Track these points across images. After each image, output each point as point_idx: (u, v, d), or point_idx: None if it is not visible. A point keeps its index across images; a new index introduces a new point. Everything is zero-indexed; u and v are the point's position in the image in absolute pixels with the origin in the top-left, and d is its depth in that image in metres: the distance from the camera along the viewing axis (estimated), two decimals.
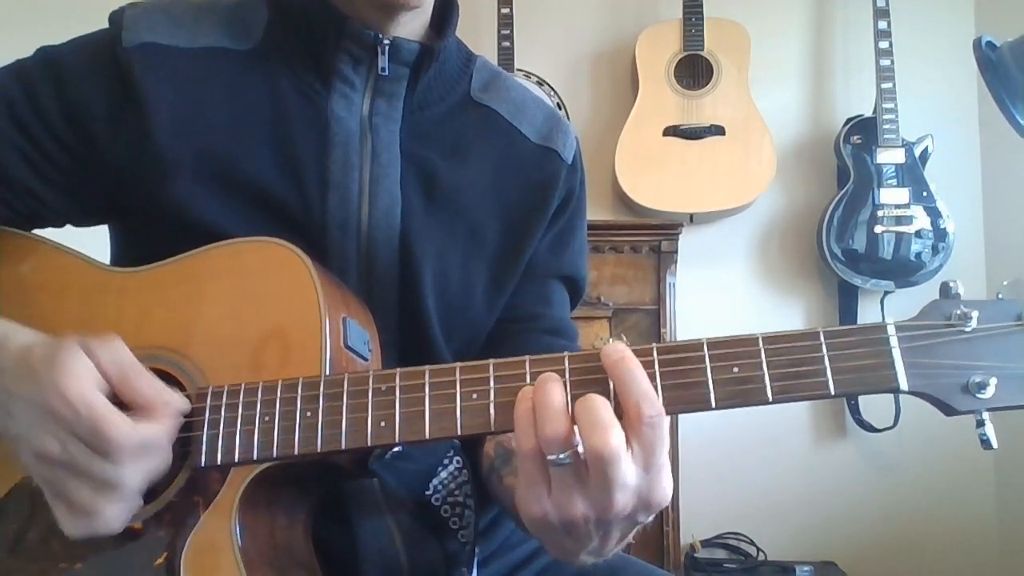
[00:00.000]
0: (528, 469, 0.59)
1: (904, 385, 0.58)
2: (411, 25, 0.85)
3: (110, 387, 0.65)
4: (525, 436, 0.59)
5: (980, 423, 0.57)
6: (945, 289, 0.60)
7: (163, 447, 0.66)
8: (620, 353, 0.59)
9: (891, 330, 0.59)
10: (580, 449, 0.57)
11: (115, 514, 0.64)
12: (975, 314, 0.58)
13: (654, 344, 0.61)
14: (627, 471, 0.56)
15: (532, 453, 0.58)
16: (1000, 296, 0.59)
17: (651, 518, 0.61)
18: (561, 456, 0.57)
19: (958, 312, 0.58)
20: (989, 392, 0.57)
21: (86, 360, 0.64)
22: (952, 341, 0.58)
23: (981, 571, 2.43)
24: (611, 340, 2.31)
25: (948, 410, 0.58)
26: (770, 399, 0.58)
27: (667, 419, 0.58)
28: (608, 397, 0.59)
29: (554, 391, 0.58)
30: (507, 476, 0.79)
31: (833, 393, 0.58)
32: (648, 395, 0.58)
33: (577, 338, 0.96)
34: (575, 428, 0.58)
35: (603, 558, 0.65)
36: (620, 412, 0.58)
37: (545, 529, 0.61)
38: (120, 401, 0.65)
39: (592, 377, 0.61)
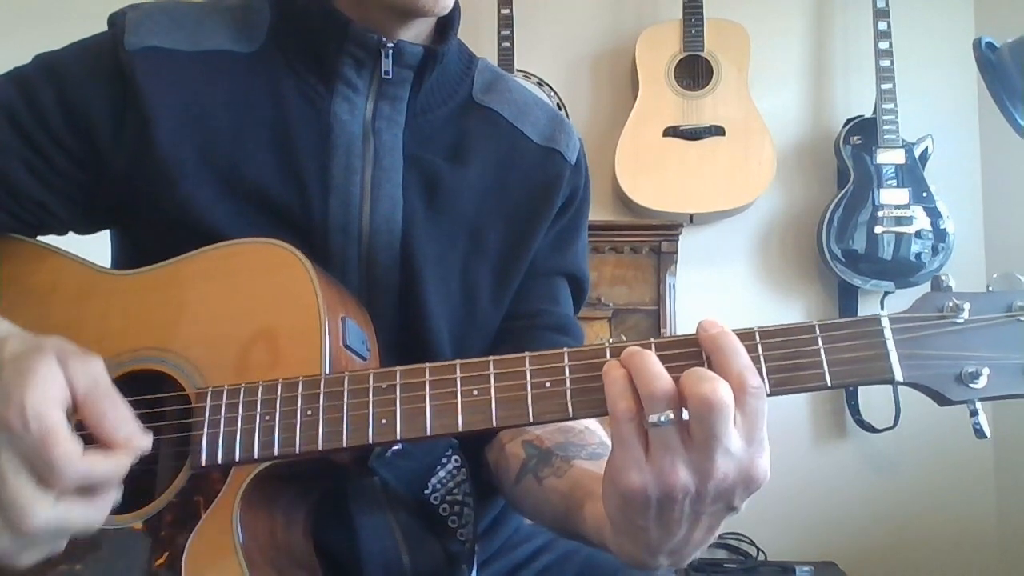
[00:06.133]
0: (624, 434, 0.57)
1: (899, 376, 0.58)
2: (417, 29, 0.85)
3: (75, 407, 0.60)
4: (622, 397, 0.57)
5: (973, 413, 0.58)
6: (936, 282, 0.60)
7: (109, 486, 0.61)
8: (719, 327, 0.58)
9: (885, 322, 0.59)
10: (684, 415, 0.55)
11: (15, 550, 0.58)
12: (967, 306, 0.59)
13: (652, 339, 0.61)
14: (732, 434, 0.55)
15: (630, 415, 0.56)
16: (990, 288, 0.60)
17: (743, 504, 0.58)
18: (662, 417, 0.55)
19: (950, 304, 0.59)
20: (982, 382, 0.57)
21: (57, 372, 0.59)
22: (945, 332, 0.59)
23: (981, 571, 2.43)
24: (611, 340, 2.31)
25: (942, 400, 0.59)
26: (768, 391, 0.58)
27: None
28: None
29: (649, 354, 0.58)
30: (548, 477, 0.77)
31: (830, 384, 0.59)
32: (751, 367, 0.56)
33: (583, 338, 0.95)
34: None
35: (682, 563, 0.62)
36: None
37: (638, 509, 0.57)
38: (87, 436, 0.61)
39: (594, 374, 0.61)
